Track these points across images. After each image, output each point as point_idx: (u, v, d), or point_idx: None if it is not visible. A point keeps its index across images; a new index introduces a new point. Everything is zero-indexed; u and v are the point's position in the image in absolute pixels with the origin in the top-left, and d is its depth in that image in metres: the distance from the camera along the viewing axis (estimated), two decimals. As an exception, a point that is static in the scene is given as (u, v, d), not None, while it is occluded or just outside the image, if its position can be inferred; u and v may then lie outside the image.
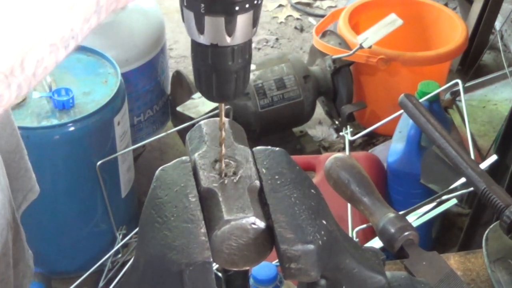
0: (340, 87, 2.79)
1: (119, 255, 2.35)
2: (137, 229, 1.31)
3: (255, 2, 0.69)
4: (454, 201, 1.74)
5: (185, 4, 0.69)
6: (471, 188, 1.25)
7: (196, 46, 0.73)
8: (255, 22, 0.71)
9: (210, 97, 0.76)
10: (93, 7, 0.54)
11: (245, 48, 0.73)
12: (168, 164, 0.82)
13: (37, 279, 2.14)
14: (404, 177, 2.29)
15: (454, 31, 2.86)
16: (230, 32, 0.70)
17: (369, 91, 2.90)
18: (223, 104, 0.79)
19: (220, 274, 0.87)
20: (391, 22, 2.61)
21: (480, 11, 3.16)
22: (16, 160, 0.97)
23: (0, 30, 0.49)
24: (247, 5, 0.69)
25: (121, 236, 2.34)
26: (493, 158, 1.80)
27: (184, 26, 0.73)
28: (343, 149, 2.45)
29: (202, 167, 0.80)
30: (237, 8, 0.69)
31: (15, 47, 0.50)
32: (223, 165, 0.79)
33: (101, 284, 2.26)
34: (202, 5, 0.68)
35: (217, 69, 0.73)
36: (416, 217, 1.70)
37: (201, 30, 0.70)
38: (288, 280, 0.78)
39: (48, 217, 2.29)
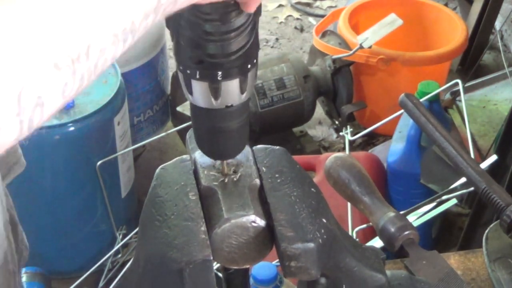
0: (340, 87, 2.79)
1: (119, 255, 2.35)
2: (137, 229, 1.31)
3: (258, 55, 0.72)
4: (454, 201, 1.74)
5: (197, 77, 0.70)
6: (471, 188, 1.25)
7: (205, 112, 0.74)
8: (257, 74, 0.75)
9: (224, 156, 0.78)
10: (154, 3, 0.54)
11: (248, 100, 0.75)
12: (168, 162, 0.82)
13: (37, 279, 2.14)
14: (404, 177, 2.29)
15: (454, 31, 2.86)
16: (243, 90, 0.72)
17: (369, 91, 2.90)
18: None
19: (220, 274, 0.87)
20: (391, 22, 2.61)
21: (480, 11, 3.16)
22: None
23: (71, 14, 0.49)
24: (255, 60, 0.72)
25: (121, 236, 2.33)
26: (493, 158, 1.80)
27: (186, 96, 0.74)
28: (343, 149, 2.45)
29: (202, 165, 0.80)
30: (249, 66, 0.71)
31: (84, 32, 0.50)
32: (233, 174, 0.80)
33: (101, 284, 2.25)
34: (219, 72, 0.70)
35: (231, 128, 0.76)
36: (416, 217, 1.70)
37: (216, 96, 0.72)
38: (288, 278, 0.78)
39: (48, 217, 2.29)
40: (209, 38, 0.68)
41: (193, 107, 0.75)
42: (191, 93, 0.73)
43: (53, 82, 0.49)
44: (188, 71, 0.71)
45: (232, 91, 0.72)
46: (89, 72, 0.51)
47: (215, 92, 0.72)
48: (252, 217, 0.75)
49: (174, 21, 0.69)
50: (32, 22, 0.48)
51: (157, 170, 0.81)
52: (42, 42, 0.48)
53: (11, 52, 0.47)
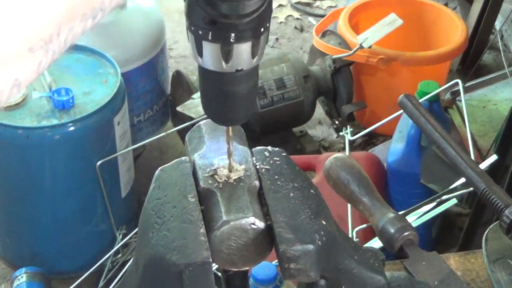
0: (340, 87, 2.79)
1: (119, 255, 2.35)
2: (137, 229, 1.31)
3: (270, 19, 0.71)
4: (454, 201, 1.74)
5: (209, 38, 0.69)
6: (471, 188, 1.24)
7: (214, 75, 0.72)
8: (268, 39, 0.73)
9: (232, 121, 0.77)
10: None
11: (258, 66, 0.74)
12: (168, 164, 0.82)
13: (37, 279, 2.14)
14: (404, 177, 2.29)
15: (454, 31, 2.86)
16: (254, 54, 0.71)
17: (369, 91, 2.89)
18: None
19: (220, 274, 0.87)
20: (391, 22, 2.61)
21: (480, 11, 3.16)
22: None
23: (47, 2, 0.53)
24: (267, 24, 0.71)
25: (121, 236, 2.33)
26: (493, 158, 1.80)
27: (195, 59, 0.72)
28: (343, 149, 2.45)
29: (201, 167, 0.80)
30: (262, 29, 0.70)
31: (56, 17, 0.54)
32: (232, 175, 0.79)
33: (101, 284, 2.25)
34: (233, 34, 0.68)
35: (240, 92, 0.74)
36: (416, 217, 1.70)
37: (227, 59, 0.70)
38: (288, 280, 0.78)
39: (48, 217, 2.29)
40: None
41: (202, 70, 0.73)
42: (201, 55, 0.71)
43: (29, 64, 0.53)
44: (200, 32, 0.69)
45: (244, 55, 0.71)
46: (60, 48, 0.55)
47: (227, 54, 0.70)
48: (251, 219, 0.75)
49: None
50: (4, 11, 0.51)
51: (156, 172, 0.81)
52: (16, 30, 0.51)
53: None
